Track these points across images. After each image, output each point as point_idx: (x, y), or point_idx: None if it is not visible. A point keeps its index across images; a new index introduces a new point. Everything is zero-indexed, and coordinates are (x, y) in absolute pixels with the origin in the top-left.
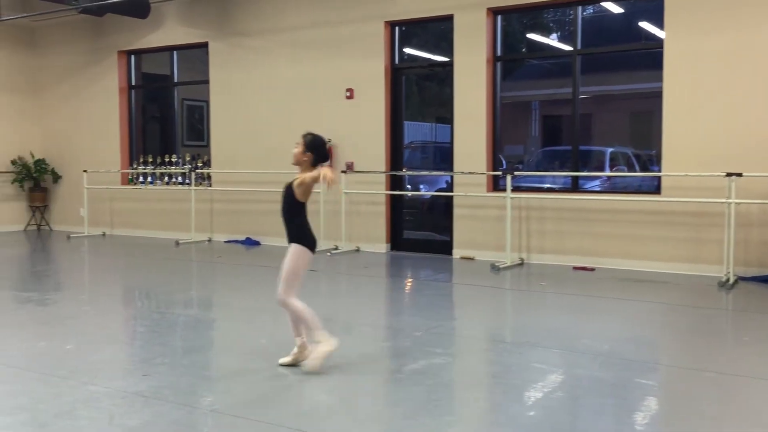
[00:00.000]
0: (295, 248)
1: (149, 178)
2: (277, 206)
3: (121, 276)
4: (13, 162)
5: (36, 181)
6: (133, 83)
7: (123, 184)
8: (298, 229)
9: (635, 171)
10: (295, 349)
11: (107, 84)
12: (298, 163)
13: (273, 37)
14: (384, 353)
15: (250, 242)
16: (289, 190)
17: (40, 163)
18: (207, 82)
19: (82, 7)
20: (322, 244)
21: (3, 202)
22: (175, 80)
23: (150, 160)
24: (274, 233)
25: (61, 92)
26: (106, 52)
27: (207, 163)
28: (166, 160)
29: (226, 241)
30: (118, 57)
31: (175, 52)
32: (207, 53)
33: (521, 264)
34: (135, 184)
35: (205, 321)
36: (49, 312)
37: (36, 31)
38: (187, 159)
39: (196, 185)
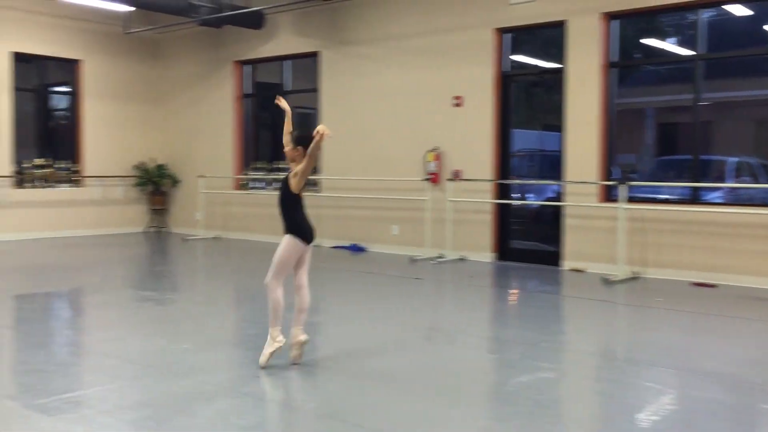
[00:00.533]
0: (288, 239)
1: (261, 184)
2: (382, 212)
3: (233, 278)
4: (137, 167)
5: (156, 185)
6: (248, 92)
7: (236, 189)
8: (293, 221)
9: (761, 182)
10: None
11: (223, 93)
12: (293, 159)
13: (382, 45)
14: (490, 365)
15: (355, 248)
16: (284, 183)
17: (161, 169)
18: (316, 90)
19: (202, 19)
20: (426, 252)
21: (126, 205)
22: (286, 88)
23: (261, 166)
24: (380, 240)
25: (181, 101)
26: (222, 62)
27: (316, 170)
28: (277, 166)
29: (332, 247)
30: (233, 67)
31: (287, 62)
32: (317, 62)
33: (635, 278)
34: (247, 189)
35: (311, 325)
36: (167, 311)
37: (159, 43)
38: None
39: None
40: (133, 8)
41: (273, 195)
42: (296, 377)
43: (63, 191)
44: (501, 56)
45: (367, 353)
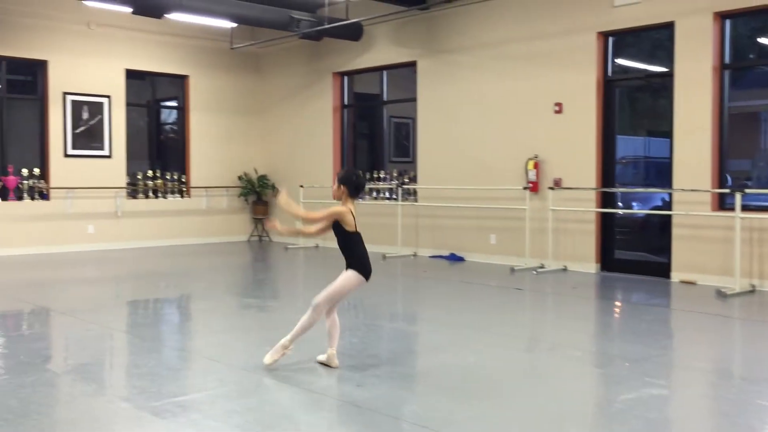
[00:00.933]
0: (350, 273)
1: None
2: (480, 221)
3: None
4: (240, 177)
5: (259, 195)
6: (346, 102)
7: (335, 198)
8: (354, 258)
9: None
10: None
11: (322, 104)
12: (338, 198)
13: (480, 53)
14: (596, 380)
15: (454, 258)
16: (337, 224)
17: (263, 179)
18: (414, 99)
19: (302, 32)
20: (526, 262)
21: (231, 214)
22: (384, 99)
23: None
24: (478, 249)
25: (282, 113)
26: (321, 74)
27: (413, 179)
28: (375, 175)
29: (430, 256)
30: (332, 78)
31: (384, 72)
32: (415, 72)
33: (752, 291)
34: None
35: (412, 334)
36: (269, 318)
37: (261, 57)
38: (394, 175)
39: (402, 200)
40: (236, 24)
41: (371, 204)
42: (395, 386)
43: (171, 202)
44: (604, 61)
45: (466, 364)
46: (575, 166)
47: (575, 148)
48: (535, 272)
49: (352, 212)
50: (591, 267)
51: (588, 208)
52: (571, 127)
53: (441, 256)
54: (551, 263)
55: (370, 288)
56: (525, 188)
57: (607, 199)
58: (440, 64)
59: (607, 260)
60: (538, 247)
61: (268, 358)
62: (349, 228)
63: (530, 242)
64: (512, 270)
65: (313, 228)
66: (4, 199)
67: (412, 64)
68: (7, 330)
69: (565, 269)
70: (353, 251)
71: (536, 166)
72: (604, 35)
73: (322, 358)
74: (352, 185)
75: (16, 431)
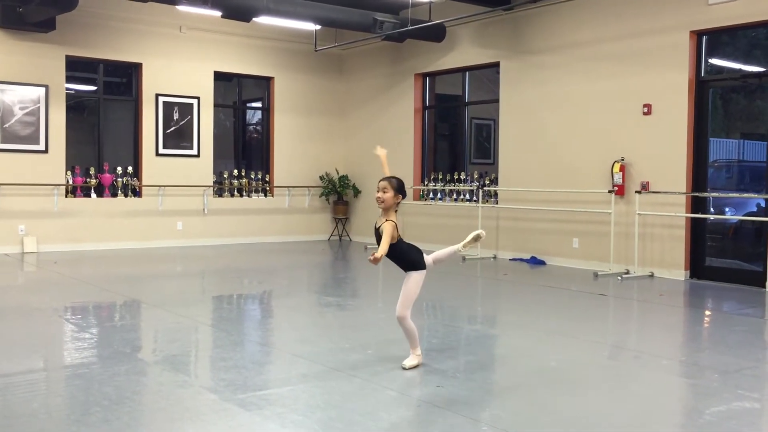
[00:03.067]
0: (415, 275)
1: (439, 195)
2: (562, 225)
3: None
4: (321, 177)
5: (339, 195)
6: (427, 104)
7: (415, 199)
8: (409, 260)
9: None
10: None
11: (404, 105)
12: (388, 207)
13: (565, 53)
14: (684, 391)
15: (534, 261)
16: (378, 230)
17: (344, 179)
18: (497, 100)
19: (385, 34)
20: (611, 267)
21: (312, 214)
22: (466, 100)
23: (440, 177)
24: (560, 253)
25: (363, 114)
26: (403, 75)
27: (494, 181)
28: (455, 177)
29: (511, 259)
30: (414, 79)
31: (467, 73)
32: (497, 72)
33: None
34: (426, 199)
35: (491, 337)
36: (349, 316)
37: (344, 59)
38: (475, 176)
39: (482, 202)
40: (320, 27)
41: (451, 206)
42: (475, 388)
43: (255, 200)
44: (697, 60)
45: (547, 369)
46: (664, 169)
47: (664, 151)
48: (619, 278)
49: (396, 224)
50: (680, 274)
51: (677, 212)
52: (660, 128)
53: (522, 259)
54: (637, 269)
55: (450, 289)
56: (610, 191)
57: (697, 204)
58: (524, 64)
59: (697, 267)
60: (623, 252)
61: (407, 363)
62: (395, 241)
63: (615, 247)
64: (595, 275)
65: (385, 249)
66: (100, 195)
67: (495, 65)
68: (101, 320)
69: (651, 276)
70: (406, 256)
71: (622, 168)
72: (697, 34)
73: (411, 362)
74: (404, 194)
75: (112, 416)
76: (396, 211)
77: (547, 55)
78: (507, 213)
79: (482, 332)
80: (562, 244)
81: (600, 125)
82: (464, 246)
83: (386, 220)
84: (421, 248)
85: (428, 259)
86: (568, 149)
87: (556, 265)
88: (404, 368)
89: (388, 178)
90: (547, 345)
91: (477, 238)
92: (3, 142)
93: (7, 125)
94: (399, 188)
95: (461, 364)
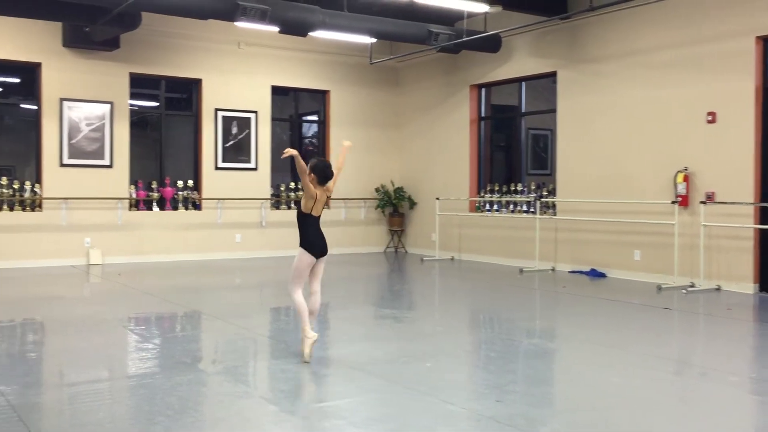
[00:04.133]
0: (299, 251)
1: (495, 206)
2: (623, 236)
3: (468, 300)
4: (377, 189)
5: (395, 207)
6: (483, 114)
7: (471, 211)
8: (302, 237)
9: None
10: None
11: (459, 116)
12: (306, 184)
13: (625, 61)
14: (753, 408)
15: (594, 274)
16: (297, 203)
17: (399, 191)
18: (554, 110)
19: (440, 46)
20: (675, 280)
21: (369, 225)
22: (522, 110)
23: (496, 188)
24: (621, 265)
25: (419, 125)
26: (458, 86)
27: (552, 192)
28: (512, 188)
29: (570, 272)
30: (469, 90)
31: (523, 83)
32: (554, 82)
33: None
34: (482, 211)
35: (550, 351)
36: (407, 328)
37: (399, 71)
38: (532, 187)
39: (540, 214)
40: (376, 40)
41: (508, 217)
42: (535, 404)
43: None
44: (764, 66)
45: (609, 385)
46: (730, 178)
47: (730, 160)
48: (684, 291)
49: (316, 197)
50: (748, 287)
51: (745, 224)
52: (726, 137)
53: (581, 272)
54: (703, 282)
55: (507, 302)
56: (673, 202)
57: (766, 215)
58: (582, 73)
59: (766, 280)
60: (688, 264)
61: (305, 355)
62: (304, 210)
63: (679, 259)
64: (659, 288)
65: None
66: (162, 208)
67: (551, 75)
68: (164, 331)
69: (718, 289)
70: (301, 229)
71: (686, 179)
72: (764, 39)
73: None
74: (319, 174)
75: (176, 426)
76: (328, 197)
77: (606, 64)
78: (565, 224)
79: (541, 346)
80: (623, 256)
81: (661, 134)
82: (304, 339)
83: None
84: (326, 254)
85: (316, 278)
86: (628, 159)
87: (617, 277)
88: (306, 362)
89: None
90: (608, 360)
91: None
92: (70, 158)
93: (74, 141)
94: (312, 168)
95: (520, 379)
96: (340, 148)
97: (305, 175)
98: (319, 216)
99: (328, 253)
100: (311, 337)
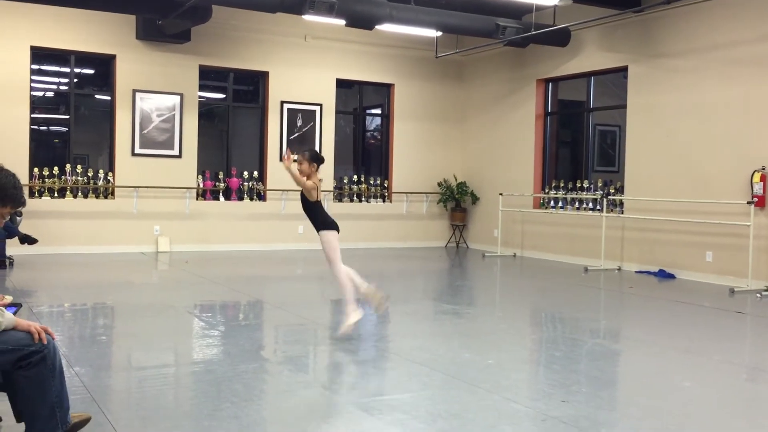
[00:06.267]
0: (324, 233)
1: (560, 203)
2: (694, 237)
3: (531, 297)
4: (440, 184)
5: (457, 201)
6: (549, 110)
7: (535, 207)
8: (322, 223)
9: None
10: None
11: (525, 111)
12: (306, 174)
13: (701, 56)
14: None
15: (663, 275)
16: (302, 195)
17: (462, 186)
18: (623, 106)
19: (507, 39)
20: (749, 283)
21: (430, 220)
22: (590, 106)
23: (561, 185)
24: (692, 267)
25: (483, 120)
26: (525, 80)
27: (620, 190)
28: (577, 185)
29: (637, 272)
30: (536, 85)
31: (591, 78)
32: (624, 77)
33: None
34: (546, 208)
35: (616, 353)
36: (468, 325)
37: (464, 65)
38: (599, 185)
39: (607, 211)
40: (442, 33)
41: (573, 215)
42: (602, 406)
43: (374, 206)
44: None
45: (679, 389)
46: None
47: None
48: (759, 295)
49: (317, 185)
50: None
51: None
52: None
53: (648, 272)
54: None
55: (572, 301)
56: (749, 203)
57: None
58: (654, 68)
59: None
60: (764, 267)
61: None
62: (312, 199)
63: (754, 262)
64: (732, 291)
65: (296, 178)
66: (228, 198)
67: (622, 70)
68: (228, 319)
69: None
70: (318, 215)
71: (763, 178)
72: None
73: (348, 322)
74: (318, 161)
75: (242, 413)
76: (321, 180)
77: (680, 59)
78: (633, 223)
79: (606, 347)
80: (694, 257)
81: (737, 132)
82: (346, 324)
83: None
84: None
85: (348, 269)
86: (701, 157)
87: (687, 279)
88: (339, 334)
89: (303, 151)
90: (677, 364)
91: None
92: (141, 147)
93: (145, 131)
94: (311, 157)
95: (585, 380)
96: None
97: (304, 179)
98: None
99: (387, 246)
100: (359, 316)
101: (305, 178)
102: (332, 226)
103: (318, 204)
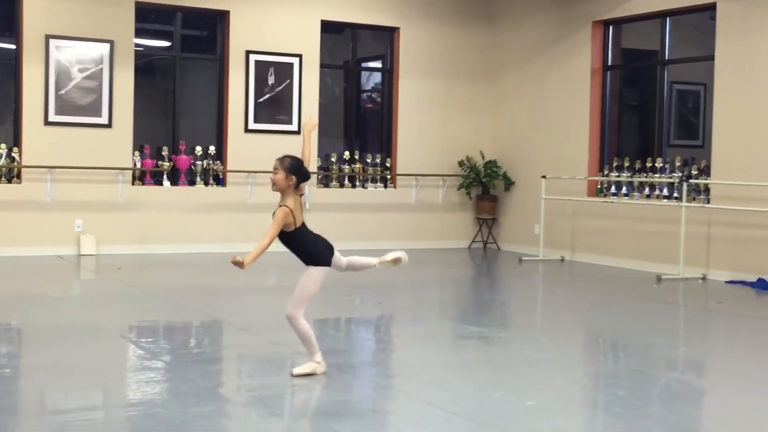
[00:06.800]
0: (312, 270)
1: (624, 189)
2: None
3: (585, 316)
4: (461, 163)
5: (485, 187)
6: (610, 63)
7: (590, 195)
8: (310, 256)
9: None
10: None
11: (576, 65)
12: (281, 189)
13: None
14: None
15: (763, 285)
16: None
17: (491, 166)
18: (711, 57)
19: None
20: None
21: (448, 212)
22: (665, 57)
23: (626, 164)
24: None
25: (519, 77)
26: (577, 23)
27: (704, 171)
28: (647, 165)
29: (727, 281)
30: (592, 29)
31: (667, 20)
32: (711, 18)
33: None
34: (606, 196)
35: (700, 391)
36: (500, 353)
37: (495, 2)
38: (676, 164)
39: (687, 200)
40: None
41: (643, 205)
42: None
43: (371, 193)
44: None
45: None
46: None
47: None
48: None
49: (291, 210)
50: None
51: None
52: None
53: (744, 282)
54: None
55: (641, 322)
56: None
57: None
58: (753, 6)
59: None
60: None
61: (296, 370)
62: (291, 228)
63: None
64: None
65: (268, 241)
66: (174, 183)
67: (709, 8)
68: (176, 346)
69: None
70: (305, 248)
71: None
72: None
73: (303, 369)
74: (300, 175)
75: None
76: (302, 194)
77: None
78: (723, 216)
79: (687, 383)
80: None
81: None
82: (380, 263)
83: (280, 206)
84: (334, 246)
85: (341, 259)
86: None
87: None
88: (293, 375)
89: (281, 158)
90: None
91: (396, 261)
92: (57, 114)
93: (62, 92)
94: (292, 168)
95: (658, 428)
96: (304, 128)
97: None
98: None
99: (391, 247)
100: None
101: (280, 195)
102: (323, 257)
103: (300, 230)
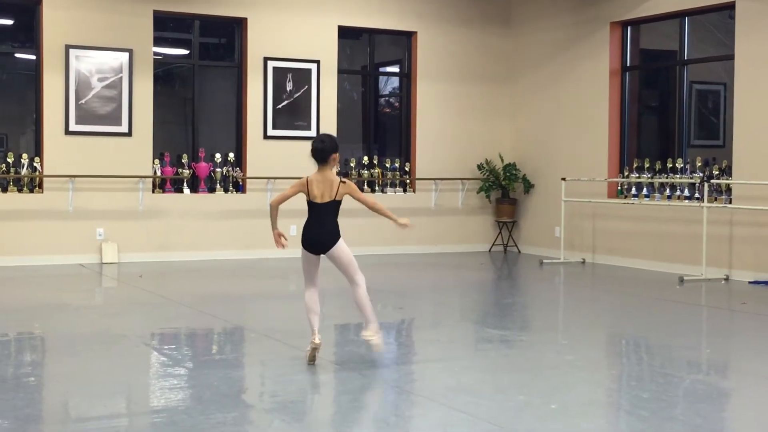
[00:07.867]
0: (340, 244)
1: (644, 190)
2: None
3: (607, 319)
4: (480, 167)
5: (504, 190)
6: (628, 63)
7: (610, 197)
8: (337, 224)
9: None
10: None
11: (595, 67)
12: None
13: None
14: None
15: None
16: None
17: (510, 169)
18: (731, 57)
19: None
20: None
21: (467, 215)
22: (684, 57)
23: (646, 165)
24: None
25: (538, 79)
26: (595, 24)
27: (726, 171)
28: (668, 166)
29: (751, 282)
30: (610, 30)
31: (686, 19)
32: (730, 17)
33: None
34: (626, 197)
35: (724, 393)
36: (521, 356)
37: (513, 5)
38: (697, 164)
39: (709, 201)
40: None
41: (663, 206)
42: None
43: (391, 197)
44: None
45: None
46: None
47: None
48: None
49: (296, 190)
50: None
51: None
52: None
53: (767, 282)
54: None
55: (664, 323)
56: None
57: None
58: None
59: None
60: None
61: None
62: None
63: None
64: None
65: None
66: (194, 190)
67: (728, 7)
68: (198, 352)
69: None
70: (336, 219)
71: None
72: None
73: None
74: (313, 154)
75: None
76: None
77: None
78: (745, 216)
79: (711, 385)
80: None
81: None
82: (362, 335)
83: (342, 181)
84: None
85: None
86: None
87: None
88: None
89: (323, 137)
90: None
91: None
92: (78, 123)
93: (83, 101)
94: (337, 147)
95: (685, 430)
96: (395, 219)
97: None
98: (324, 203)
99: (410, 252)
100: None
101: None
102: (303, 242)
103: (309, 206)
